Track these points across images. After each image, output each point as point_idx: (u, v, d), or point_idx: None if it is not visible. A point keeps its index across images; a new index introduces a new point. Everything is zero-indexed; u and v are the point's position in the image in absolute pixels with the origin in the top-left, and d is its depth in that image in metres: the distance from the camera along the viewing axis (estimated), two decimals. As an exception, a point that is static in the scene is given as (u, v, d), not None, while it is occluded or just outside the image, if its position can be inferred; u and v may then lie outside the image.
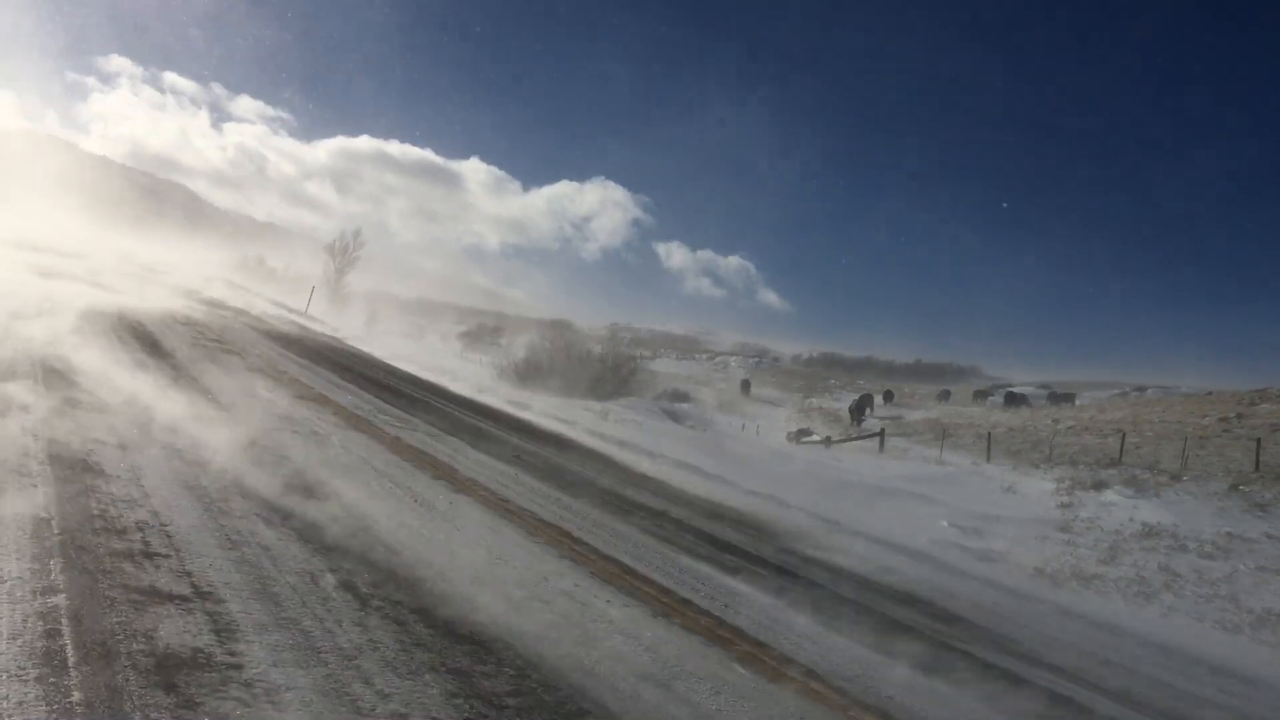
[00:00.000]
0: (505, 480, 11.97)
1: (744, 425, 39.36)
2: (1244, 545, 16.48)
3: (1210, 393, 50.13)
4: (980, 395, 63.73)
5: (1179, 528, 17.55)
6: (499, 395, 24.51)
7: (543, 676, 5.70)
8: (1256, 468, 24.58)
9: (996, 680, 7.63)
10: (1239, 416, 36.69)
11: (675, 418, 32.88)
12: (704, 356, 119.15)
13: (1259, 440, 26.96)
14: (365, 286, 62.44)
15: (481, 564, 7.90)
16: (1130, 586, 13.60)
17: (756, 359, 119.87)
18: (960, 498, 20.33)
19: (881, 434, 35.96)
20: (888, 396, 63.09)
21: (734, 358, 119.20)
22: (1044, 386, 67.43)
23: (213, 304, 28.05)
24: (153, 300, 24.95)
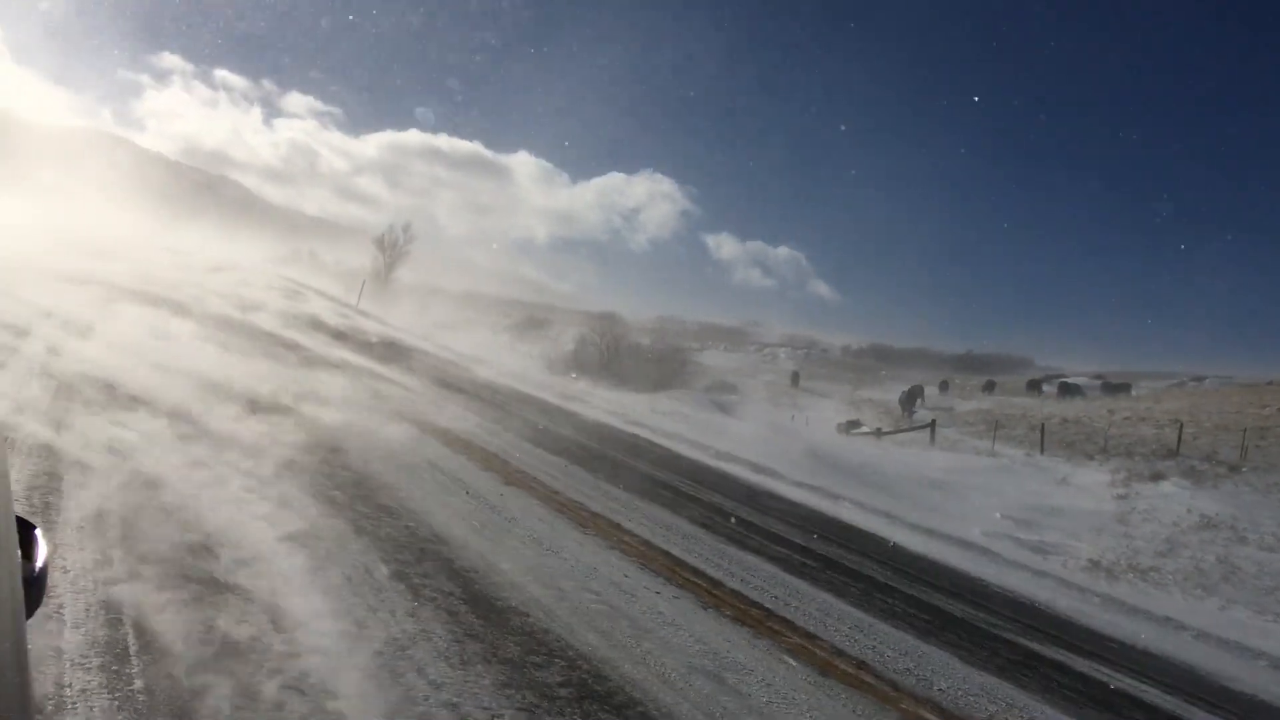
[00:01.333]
0: (555, 472, 12.01)
1: (793, 417, 39.18)
2: (1307, 538, 16.15)
3: (1271, 382, 49.13)
4: (1034, 386, 62.82)
5: (1238, 520, 17.22)
6: (549, 389, 24.56)
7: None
8: (1320, 458, 24.04)
9: (1047, 672, 7.54)
10: (1301, 406, 35.90)
11: (723, 409, 32.84)
12: (753, 348, 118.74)
13: (1322, 430, 26.37)
14: (415, 280, 62.99)
15: (531, 557, 7.93)
16: (1188, 579, 13.38)
17: (806, 350, 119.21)
18: (1013, 489, 20.11)
19: (933, 425, 35.62)
20: (943, 387, 62.52)
21: (783, 349, 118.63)
22: (1098, 377, 66.31)
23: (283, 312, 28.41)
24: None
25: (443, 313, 51.79)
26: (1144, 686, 7.75)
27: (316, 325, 23.08)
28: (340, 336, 22.34)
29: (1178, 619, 10.72)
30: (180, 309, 16.84)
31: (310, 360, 16.60)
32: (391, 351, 21.94)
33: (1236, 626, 10.93)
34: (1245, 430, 27.85)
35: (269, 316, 21.96)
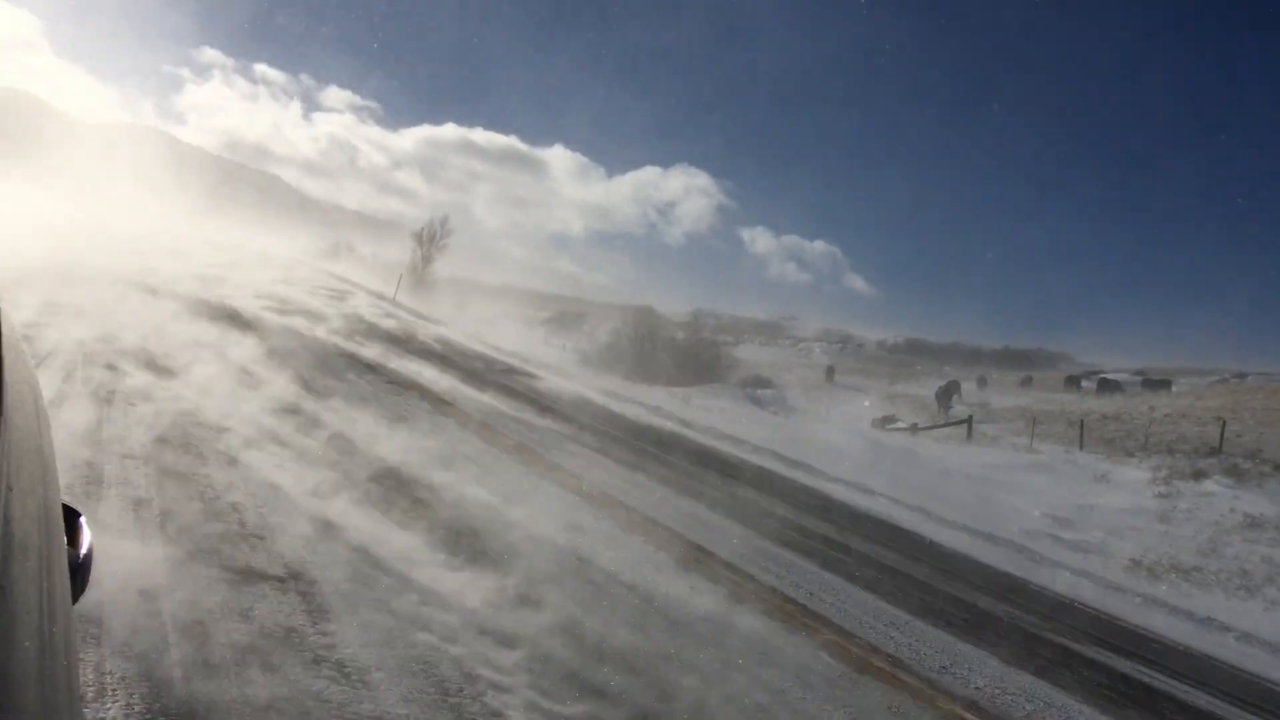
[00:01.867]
0: (590, 463, 11.98)
1: (828, 412, 38.96)
2: (1354, 538, 15.84)
3: (1316, 379, 48.31)
4: (1072, 382, 62.13)
5: (1284, 518, 16.93)
6: (582, 382, 24.56)
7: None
8: (1368, 457, 23.59)
9: (1087, 672, 7.44)
10: (1348, 404, 35.28)
11: (758, 404, 32.74)
12: (787, 342, 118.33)
13: (1370, 429, 25.89)
14: (451, 273, 63.29)
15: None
16: (1232, 579, 13.17)
17: (841, 345, 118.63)
18: (1052, 487, 19.89)
19: (969, 421, 35.28)
20: (981, 382, 61.93)
21: (818, 344, 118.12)
22: (1139, 373, 65.49)
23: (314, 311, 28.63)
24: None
25: (480, 307, 52.00)
26: (1186, 688, 7.62)
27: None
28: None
29: (1221, 620, 10.55)
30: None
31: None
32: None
33: (1275, 624, 10.73)
34: (1289, 428, 27.38)
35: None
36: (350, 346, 16.85)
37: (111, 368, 9.93)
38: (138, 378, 9.76)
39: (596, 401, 18.97)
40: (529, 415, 14.13)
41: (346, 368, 14.31)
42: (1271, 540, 15.42)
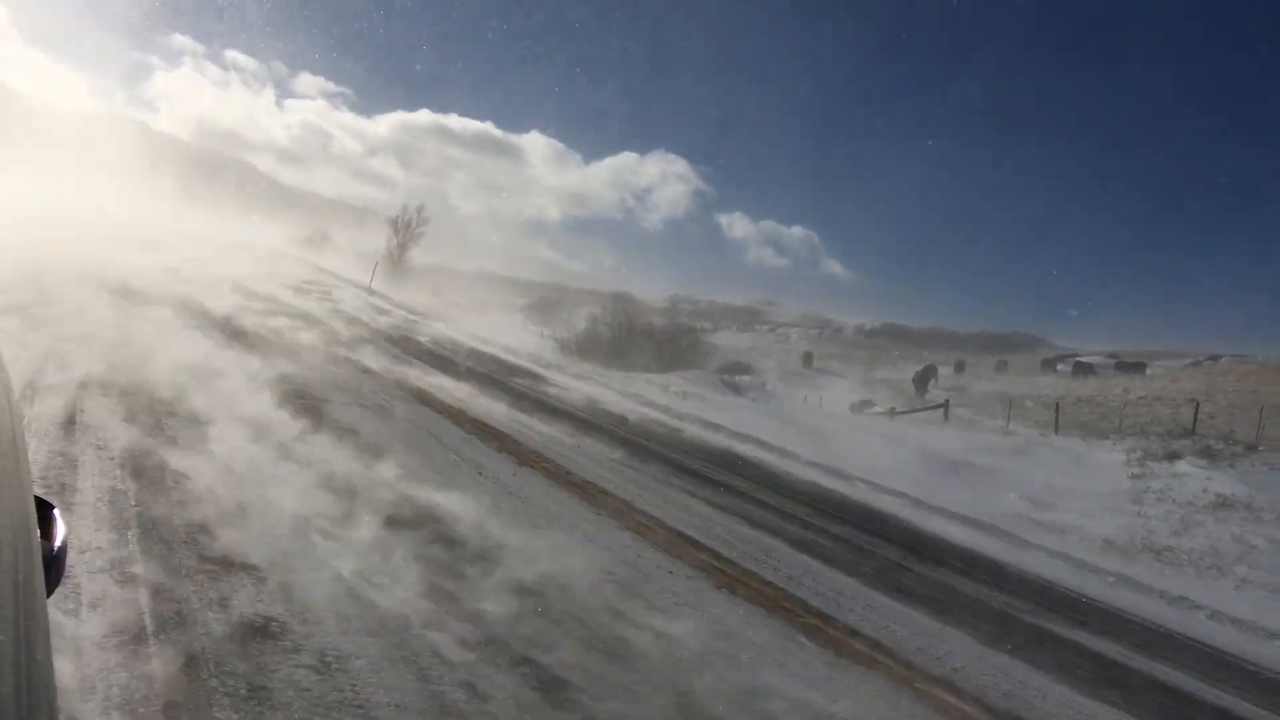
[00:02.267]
0: (568, 453, 12.04)
1: (806, 397, 39.06)
2: (1323, 517, 16.09)
3: (1288, 361, 48.84)
4: (1048, 365, 62.69)
5: (1254, 499, 17.16)
6: (559, 368, 24.59)
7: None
8: (1338, 437, 23.93)
9: (1062, 652, 7.57)
10: (1318, 385, 35.72)
11: (736, 390, 32.78)
12: (765, 328, 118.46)
13: (1340, 409, 26.24)
14: (428, 260, 63.03)
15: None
16: (1203, 559, 13.36)
17: (819, 330, 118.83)
18: (1028, 470, 20.07)
19: (946, 405, 35.52)
20: (959, 367, 62.31)
21: (795, 329, 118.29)
22: (1112, 356, 65.96)
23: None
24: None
25: (457, 294, 51.81)
26: (1159, 666, 7.77)
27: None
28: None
29: (1192, 599, 10.72)
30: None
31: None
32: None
33: (1252, 606, 10.90)
34: (1262, 409, 27.71)
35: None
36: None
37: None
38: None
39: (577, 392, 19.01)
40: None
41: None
42: (1242, 520, 15.64)
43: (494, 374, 18.92)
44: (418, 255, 61.89)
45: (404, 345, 20.76)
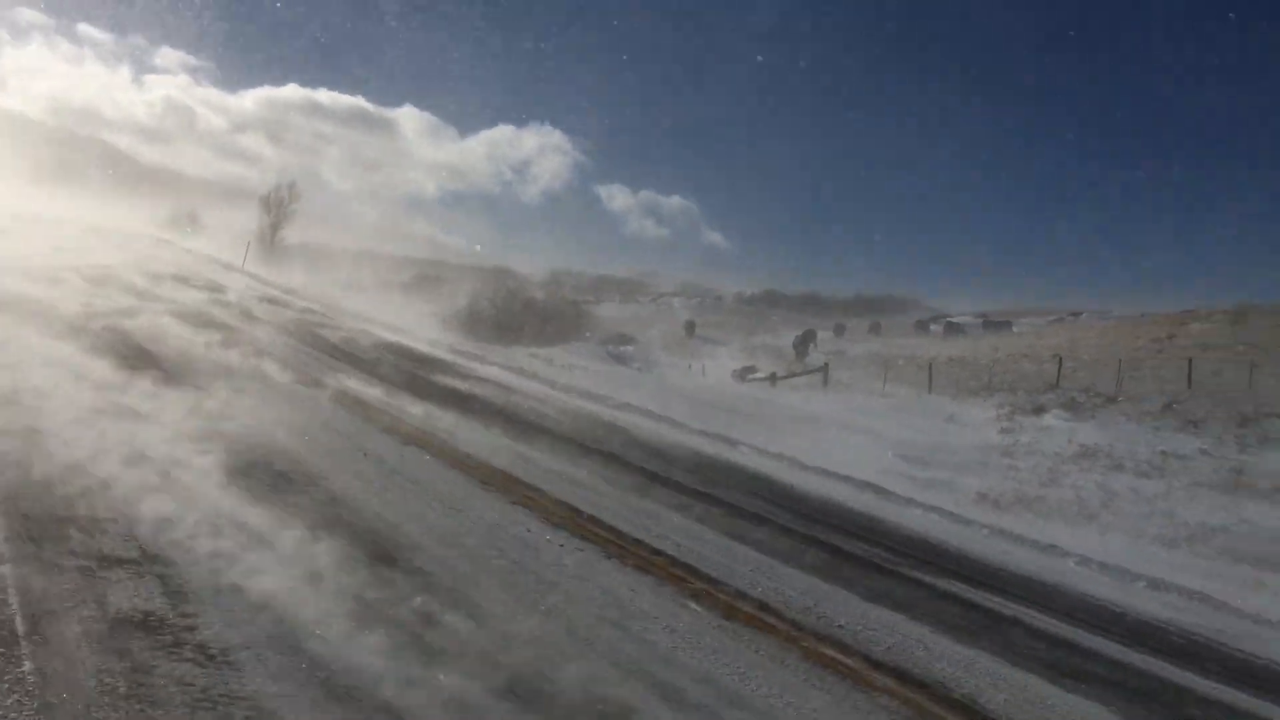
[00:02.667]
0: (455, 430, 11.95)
1: (689, 366, 39.54)
2: (1178, 462, 16.98)
3: (1143, 315, 51.21)
4: (921, 326, 64.54)
5: (1115, 448, 18.02)
6: (441, 346, 24.31)
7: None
8: (1189, 386, 25.25)
9: (942, 604, 7.85)
10: (1170, 337, 37.60)
11: (621, 360, 33.00)
12: (647, 299, 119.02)
13: (1190, 360, 27.66)
14: (302, 239, 61.53)
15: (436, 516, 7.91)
16: (1070, 507, 13.98)
17: (700, 299, 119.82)
18: (905, 428, 20.67)
19: (825, 369, 36.31)
20: (838, 330, 63.70)
21: (677, 299, 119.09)
22: (981, 315, 68.27)
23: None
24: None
25: (335, 274, 50.71)
26: (1032, 612, 8.11)
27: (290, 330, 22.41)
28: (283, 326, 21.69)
29: (1062, 546, 11.21)
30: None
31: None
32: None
33: (1116, 551, 11.47)
34: (1120, 362, 29.05)
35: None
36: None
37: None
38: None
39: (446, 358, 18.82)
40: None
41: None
42: (1104, 469, 16.42)
43: (398, 362, 18.59)
44: (291, 234, 60.34)
45: (338, 351, 20.22)
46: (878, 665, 6.16)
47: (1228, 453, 18.00)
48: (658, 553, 7.91)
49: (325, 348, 17.98)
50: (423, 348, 21.99)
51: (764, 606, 6.95)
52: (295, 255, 55.60)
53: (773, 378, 37.26)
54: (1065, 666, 6.74)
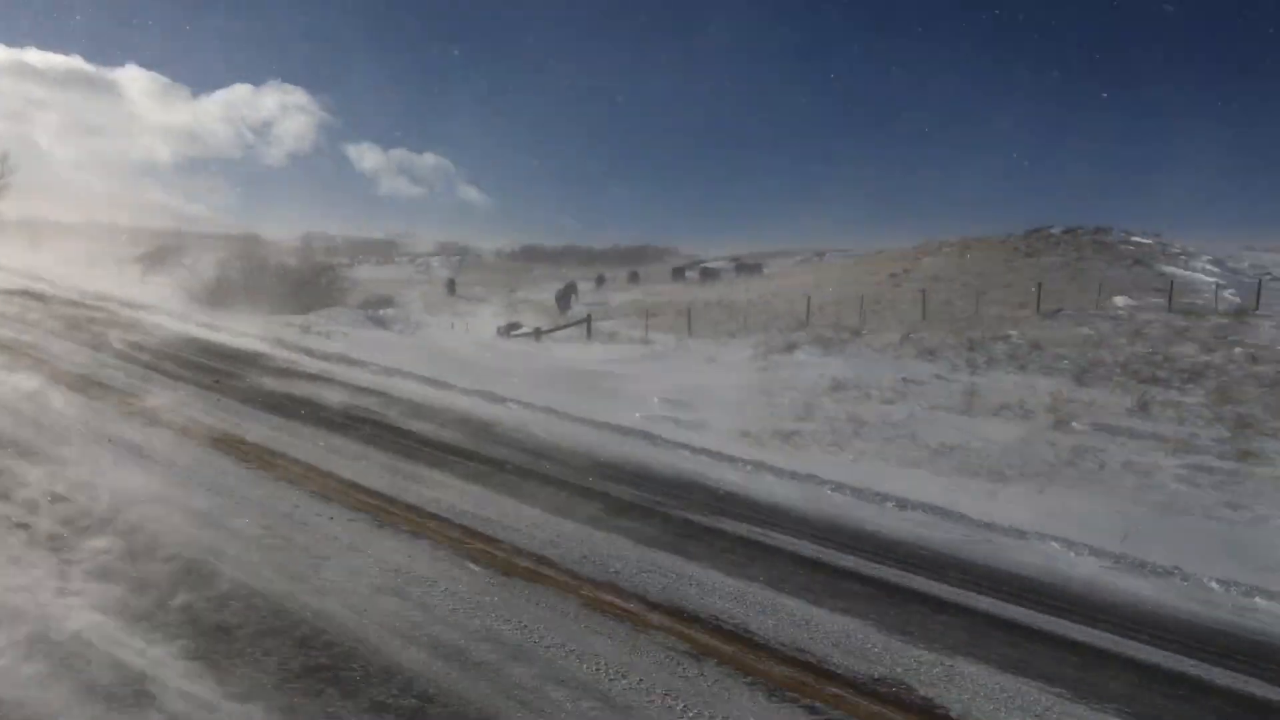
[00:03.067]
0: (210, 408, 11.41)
1: (453, 325, 39.09)
2: (918, 389, 18.22)
3: (881, 251, 54.36)
4: (678, 273, 66.07)
5: (863, 379, 19.13)
6: (192, 321, 23.03)
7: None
8: (924, 317, 27.09)
9: (712, 540, 8.18)
10: (906, 271, 40.19)
11: (382, 324, 32.14)
12: (405, 259, 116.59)
13: (924, 292, 29.65)
14: (23, 214, 56.69)
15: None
16: (825, 437, 14.75)
17: (459, 257, 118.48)
18: (668, 373, 21.18)
19: (588, 320, 36.70)
20: (599, 282, 64.35)
21: (436, 258, 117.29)
22: (734, 259, 70.62)
23: None
24: None
25: (66, 250, 47.00)
26: (796, 540, 8.56)
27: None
28: None
29: (819, 475, 11.84)
30: None
31: None
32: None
33: (867, 475, 12.20)
34: (863, 298, 30.82)
35: None
36: None
37: None
38: None
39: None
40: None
41: None
42: (854, 399, 17.42)
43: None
44: (7, 209, 55.38)
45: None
46: (654, 606, 6.36)
47: (960, 376, 19.47)
48: (432, 516, 7.87)
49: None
50: (169, 323, 20.78)
51: (541, 560, 7.05)
52: (16, 232, 51.20)
53: (537, 333, 37.37)
54: (827, 588, 7.16)
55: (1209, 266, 38.58)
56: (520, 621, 5.83)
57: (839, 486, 11.34)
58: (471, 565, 6.73)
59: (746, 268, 60.98)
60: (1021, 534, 9.73)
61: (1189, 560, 9.04)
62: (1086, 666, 6.14)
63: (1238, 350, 20.53)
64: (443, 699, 4.85)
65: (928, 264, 41.32)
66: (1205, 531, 10.43)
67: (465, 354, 22.67)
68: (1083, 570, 8.68)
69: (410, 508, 8.04)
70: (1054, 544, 9.39)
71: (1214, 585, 8.45)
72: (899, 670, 5.72)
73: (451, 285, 69.03)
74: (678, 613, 6.29)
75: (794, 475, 11.84)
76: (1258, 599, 8.16)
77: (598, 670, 5.32)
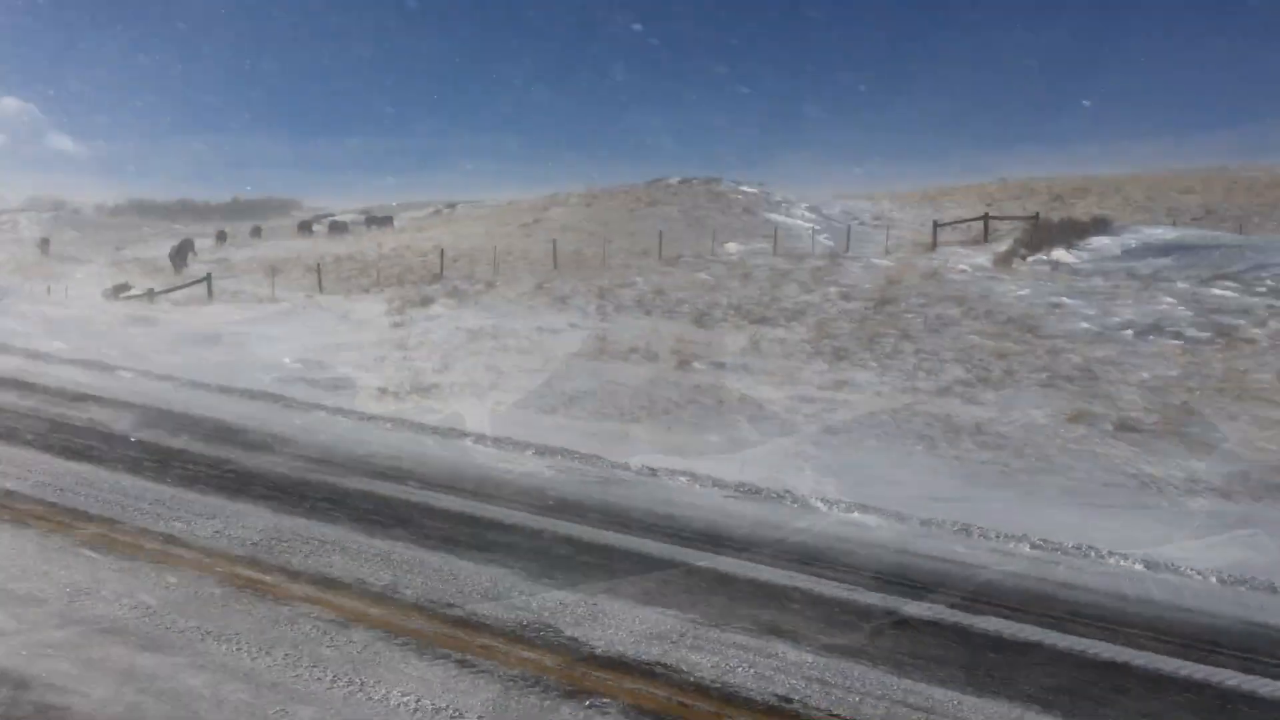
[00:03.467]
0: None
1: (50, 289, 35.40)
2: (553, 337, 18.75)
3: (512, 203, 54.90)
4: (305, 227, 63.39)
5: (499, 329, 19.41)
6: None
7: None
8: (555, 266, 27.78)
9: (356, 503, 8.07)
10: (536, 221, 40.91)
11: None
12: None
13: (554, 242, 30.36)
14: None
15: None
16: (465, 390, 14.86)
17: (53, 213, 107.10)
18: (300, 332, 20.44)
19: (208, 279, 34.48)
20: (220, 238, 60.32)
21: (24, 214, 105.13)
22: (364, 212, 68.65)
23: None
24: None
25: None
26: (439, 495, 8.61)
27: None
28: None
29: (459, 428, 11.95)
30: None
31: None
32: None
33: (507, 425, 12.45)
34: (495, 249, 31.08)
35: None
36: None
37: None
38: None
39: None
40: None
41: None
42: (491, 350, 17.64)
43: None
44: None
45: None
46: (296, 575, 6.20)
47: (591, 323, 20.21)
48: (38, 502, 7.21)
49: None
50: None
51: (170, 539, 6.66)
52: None
53: (150, 294, 34.62)
54: (465, 539, 7.27)
55: (806, 213, 42.09)
56: (149, 606, 5.49)
57: (480, 438, 11.51)
58: (88, 551, 6.26)
59: (377, 220, 59.47)
60: (653, 471, 10.33)
61: (802, 484, 10.03)
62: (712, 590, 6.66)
63: (832, 290, 22.71)
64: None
65: (557, 214, 42.22)
66: (803, 455, 11.54)
67: (68, 321, 20.73)
68: (710, 499, 9.38)
69: (8, 493, 7.31)
70: (681, 479, 10.06)
71: (819, 504, 9.42)
72: (545, 615, 5.91)
73: (45, 245, 62.38)
74: (321, 579, 6.15)
75: (435, 430, 11.88)
76: (855, 514, 9.17)
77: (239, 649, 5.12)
